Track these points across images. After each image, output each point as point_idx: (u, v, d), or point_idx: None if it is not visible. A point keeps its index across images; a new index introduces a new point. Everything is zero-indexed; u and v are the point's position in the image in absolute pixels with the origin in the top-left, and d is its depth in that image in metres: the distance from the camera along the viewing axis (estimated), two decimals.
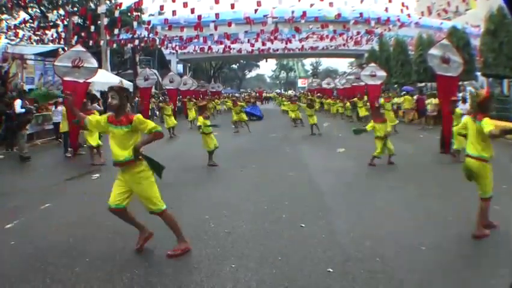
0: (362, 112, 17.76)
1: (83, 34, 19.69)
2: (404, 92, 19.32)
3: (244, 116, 15.78)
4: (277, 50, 33.91)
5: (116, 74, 21.90)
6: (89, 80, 9.54)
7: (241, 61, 64.75)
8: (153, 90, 22.01)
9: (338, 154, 8.49)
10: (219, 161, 8.23)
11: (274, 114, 24.52)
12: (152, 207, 3.48)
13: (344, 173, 7.01)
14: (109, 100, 3.46)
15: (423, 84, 25.56)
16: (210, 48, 30.34)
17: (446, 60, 8.94)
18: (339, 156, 8.10)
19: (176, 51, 31.74)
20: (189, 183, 6.69)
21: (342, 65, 63.97)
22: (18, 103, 9.33)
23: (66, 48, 12.51)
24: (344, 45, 32.76)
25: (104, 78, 16.85)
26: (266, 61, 56.48)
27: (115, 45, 23.19)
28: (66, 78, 9.04)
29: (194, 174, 7.38)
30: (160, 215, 3.53)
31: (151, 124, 3.42)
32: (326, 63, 78.50)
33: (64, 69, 8.99)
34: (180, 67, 41.23)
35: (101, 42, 19.55)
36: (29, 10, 23.70)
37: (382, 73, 16.17)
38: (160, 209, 3.51)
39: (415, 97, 18.00)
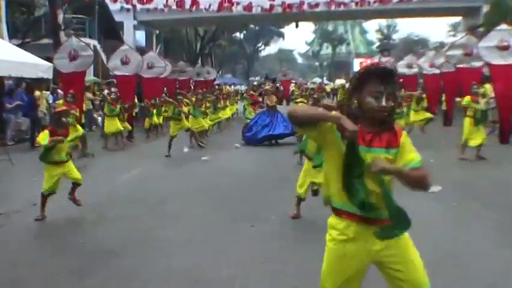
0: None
1: None
2: None
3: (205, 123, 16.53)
4: (317, 4, 34.06)
5: (19, 46, 21.81)
6: None
7: (251, 26, 65.52)
8: (90, 77, 22.07)
9: (429, 195, 8.32)
10: (211, 203, 8.76)
11: None
12: None
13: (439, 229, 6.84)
14: None
15: None
16: (194, 2, 30.58)
17: None
18: (432, 200, 8.11)
19: (134, 6, 32.08)
20: (166, 246, 6.72)
21: (436, 30, 64.09)
22: None
23: None
24: None
25: None
26: (297, 26, 56.57)
27: None
28: None
29: (173, 229, 7.49)
30: None
31: None
32: (406, 28, 79.07)
33: None
34: (141, 36, 41.69)
35: None
36: None
37: None
38: None
39: None
